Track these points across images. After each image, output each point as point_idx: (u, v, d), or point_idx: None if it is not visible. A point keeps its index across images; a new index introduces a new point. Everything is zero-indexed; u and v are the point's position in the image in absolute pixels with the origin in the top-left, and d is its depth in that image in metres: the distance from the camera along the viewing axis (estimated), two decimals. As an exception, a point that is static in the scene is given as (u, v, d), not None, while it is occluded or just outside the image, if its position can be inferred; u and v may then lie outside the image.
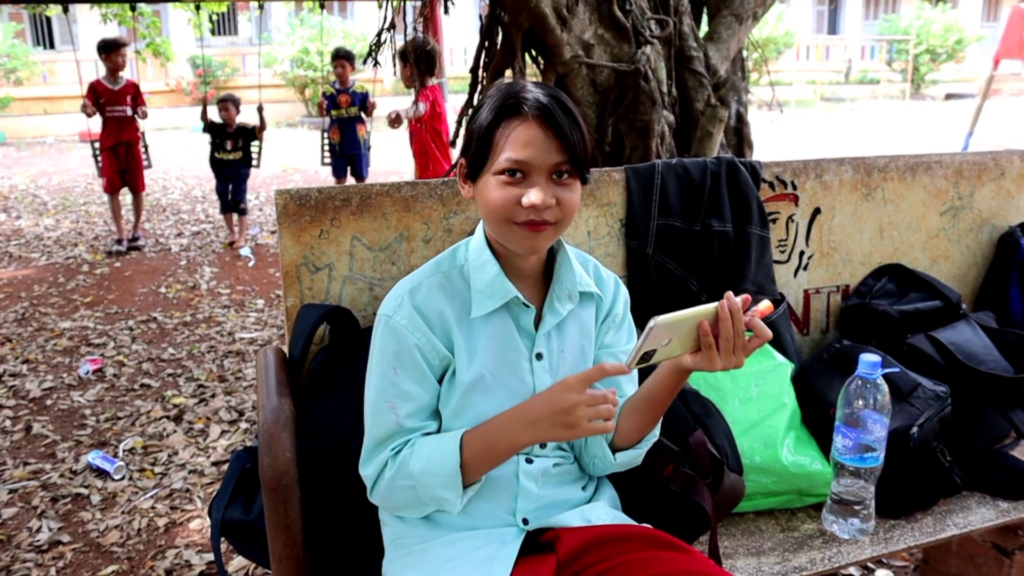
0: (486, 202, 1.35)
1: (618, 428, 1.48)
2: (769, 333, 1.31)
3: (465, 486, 1.36)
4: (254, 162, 7.50)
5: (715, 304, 1.30)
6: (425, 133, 5.58)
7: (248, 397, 4.00)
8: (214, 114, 7.30)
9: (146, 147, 7.41)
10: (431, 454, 1.36)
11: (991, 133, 12.76)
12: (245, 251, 7.02)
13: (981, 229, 2.62)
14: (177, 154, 13.46)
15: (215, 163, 7.37)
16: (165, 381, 4.23)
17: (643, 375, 1.50)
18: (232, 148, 7.31)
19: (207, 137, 7.37)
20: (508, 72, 3.16)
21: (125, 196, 7.76)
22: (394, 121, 5.59)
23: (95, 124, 7.40)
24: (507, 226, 1.35)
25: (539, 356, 1.46)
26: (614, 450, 1.50)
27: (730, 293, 1.31)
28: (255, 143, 7.41)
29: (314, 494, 1.62)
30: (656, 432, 1.51)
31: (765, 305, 1.33)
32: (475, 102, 3.34)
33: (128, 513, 3.01)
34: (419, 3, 5.95)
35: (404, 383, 1.40)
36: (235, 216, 7.40)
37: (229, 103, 7.24)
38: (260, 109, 7.30)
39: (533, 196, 1.31)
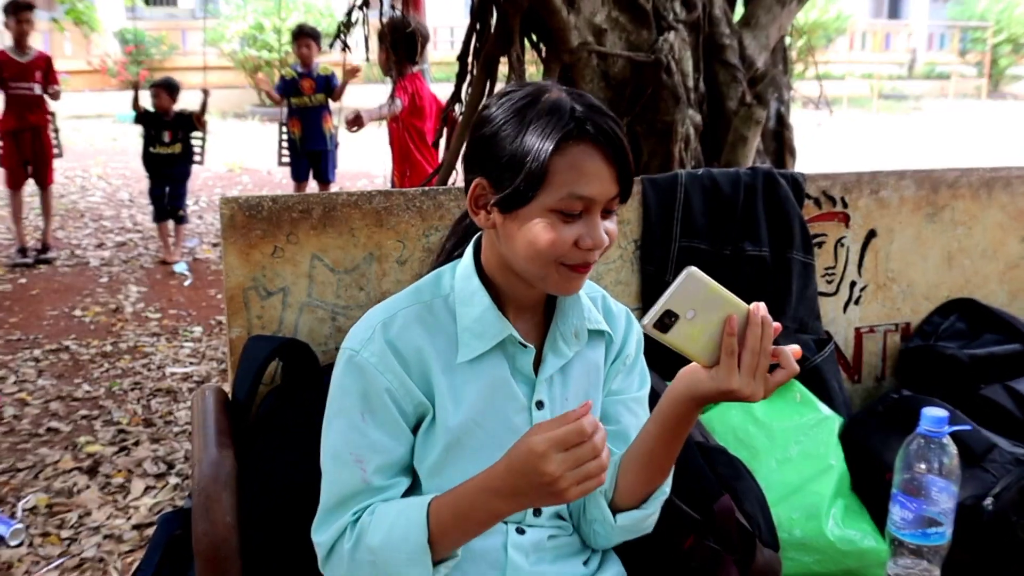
0: (533, 241, 1.34)
1: (618, 481, 1.48)
2: (796, 367, 1.33)
3: (436, 563, 1.34)
4: (196, 158, 7.51)
5: (747, 305, 1.33)
6: (404, 132, 5.61)
7: (180, 446, 3.98)
8: (147, 101, 7.32)
9: (56, 132, 7.33)
10: (393, 524, 1.35)
11: (1083, 141, 12.88)
12: (180, 267, 7.02)
13: (1069, 259, 2.66)
14: (100, 148, 13.48)
15: (149, 159, 7.35)
16: (78, 425, 4.22)
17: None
18: (170, 140, 7.29)
19: (139, 129, 7.38)
20: (503, 60, 3.19)
21: (29, 195, 7.75)
22: (352, 123, 5.59)
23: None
24: (552, 267, 1.36)
25: (539, 405, 1.46)
26: (615, 510, 1.49)
27: (761, 303, 1.33)
28: (197, 135, 7.42)
29: (259, 568, 1.62)
30: (666, 488, 1.50)
31: (793, 348, 1.35)
32: (463, 96, 3.37)
33: (29, 586, 3.00)
34: (398, -27, 6.01)
35: (373, 432, 1.40)
36: (171, 225, 7.40)
37: (164, 89, 7.25)
38: (205, 94, 7.29)
39: (596, 238, 1.34)
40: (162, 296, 6.31)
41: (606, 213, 1.37)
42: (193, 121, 7.30)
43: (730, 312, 1.32)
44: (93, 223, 8.65)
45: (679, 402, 1.37)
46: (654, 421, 1.42)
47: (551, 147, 1.31)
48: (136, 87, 7.43)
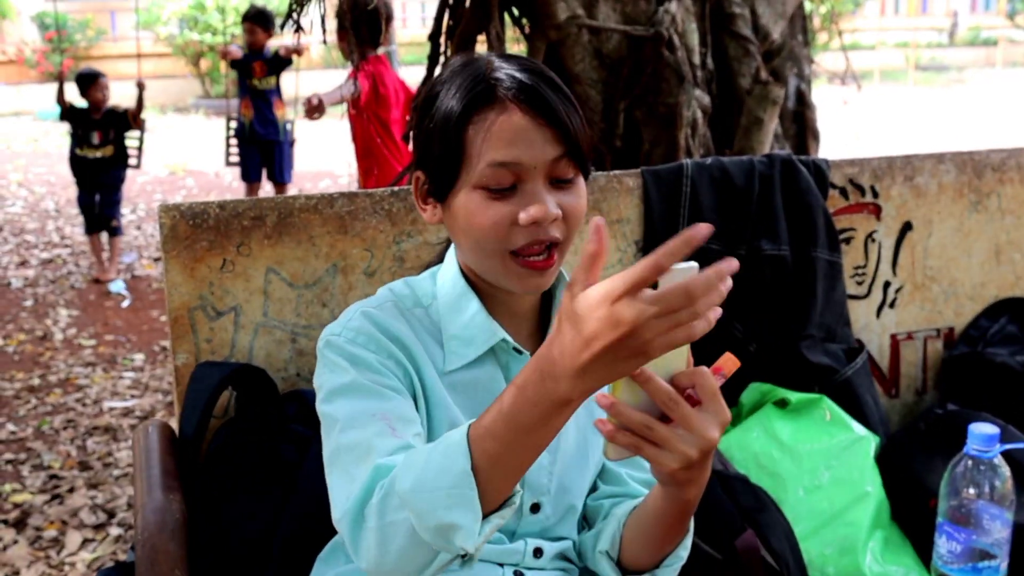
0: (468, 228, 1.36)
1: (624, 543, 1.48)
2: (726, 412, 1.21)
3: (486, 513, 1.20)
4: (132, 161, 7.49)
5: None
6: (367, 124, 5.62)
7: (122, 491, 3.98)
8: (74, 94, 7.31)
9: None
10: (427, 460, 1.21)
11: None
12: (117, 286, 7.00)
13: None
14: (19, 150, 13.46)
15: (77, 163, 7.33)
16: (1, 471, 4.21)
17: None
18: (100, 142, 7.26)
19: (65, 126, 7.37)
20: (481, 39, 3.21)
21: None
22: (313, 110, 5.60)
23: None
24: (501, 259, 1.36)
25: (534, 424, 1.47)
26: (624, 571, 1.50)
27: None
28: (132, 134, 7.40)
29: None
30: (684, 552, 1.49)
31: (725, 358, 1.26)
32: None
33: (-50, 659, 2.99)
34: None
35: (386, 390, 1.35)
36: (104, 238, 7.39)
37: (98, 81, 7.22)
38: (140, 86, 7.26)
39: (533, 210, 1.32)
40: (97, 320, 6.31)
41: (558, 184, 1.36)
42: (127, 119, 7.27)
43: (686, 356, 1.23)
44: (14, 238, 8.63)
45: (666, 492, 1.34)
46: (654, 496, 1.39)
47: (459, 112, 1.33)
48: (60, 80, 7.39)
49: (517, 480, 1.21)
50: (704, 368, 1.20)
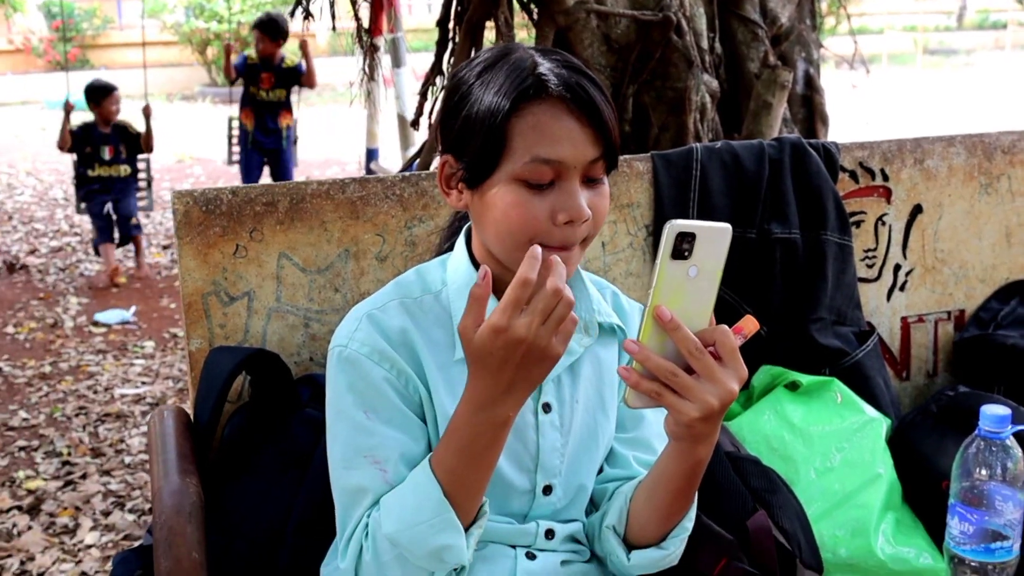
0: (502, 220, 1.37)
1: (631, 517, 1.49)
2: (744, 369, 1.30)
3: (466, 526, 1.35)
4: (141, 183, 7.14)
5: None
6: None
7: (135, 478, 4.00)
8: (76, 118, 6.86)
9: None
10: (402, 501, 1.36)
11: None
12: (113, 317, 6.13)
13: None
14: (28, 139, 13.47)
15: (86, 182, 6.86)
16: (15, 458, 4.23)
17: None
18: (112, 157, 6.85)
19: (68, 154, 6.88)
20: (489, 24, 3.21)
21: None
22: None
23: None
24: None
25: (546, 408, 1.50)
26: (629, 547, 1.51)
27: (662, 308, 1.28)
28: (141, 157, 7.06)
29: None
30: (689, 524, 1.51)
31: (745, 320, 1.33)
32: (445, 66, 3.39)
33: (-34, 644, 3.02)
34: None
35: (381, 429, 1.41)
36: (113, 248, 6.88)
37: (112, 95, 6.81)
38: (146, 113, 6.88)
39: (572, 212, 1.35)
40: (107, 307, 6.32)
41: (590, 182, 1.38)
42: (137, 139, 6.93)
43: (709, 315, 1.31)
44: (23, 226, 8.65)
45: (678, 449, 1.38)
46: (663, 458, 1.43)
47: (507, 106, 1.34)
48: (67, 112, 6.82)
49: (482, 493, 1.36)
50: (725, 327, 1.28)
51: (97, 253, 7.06)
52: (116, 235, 6.92)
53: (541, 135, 1.34)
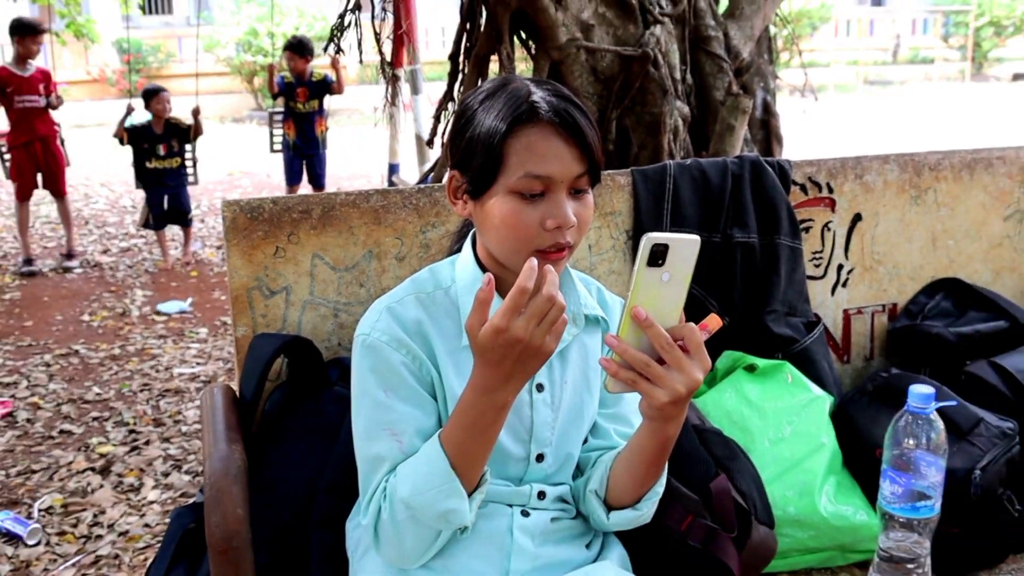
0: (500, 227, 1.38)
1: (610, 482, 1.50)
2: (708, 361, 1.31)
3: (469, 492, 1.38)
4: (189, 178, 7.36)
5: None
6: None
7: (190, 445, 4.00)
8: (140, 111, 7.16)
9: (63, 142, 7.28)
10: (415, 470, 1.38)
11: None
12: (173, 307, 6.22)
13: (1050, 236, 2.67)
14: (101, 155, 13.48)
15: (147, 174, 7.15)
16: (89, 427, 4.24)
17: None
18: (167, 153, 7.14)
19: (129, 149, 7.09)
20: (494, 58, 3.20)
21: (34, 204, 7.72)
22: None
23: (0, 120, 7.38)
24: (525, 255, 1.38)
25: (540, 387, 1.51)
26: (609, 507, 1.52)
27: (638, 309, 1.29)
28: (189, 148, 7.28)
29: (271, 559, 1.64)
30: (660, 488, 1.53)
31: (710, 318, 1.33)
32: (455, 94, 3.38)
33: (47, 585, 3.02)
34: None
35: (399, 405, 1.42)
36: (172, 231, 7.30)
37: (159, 95, 7.04)
38: (196, 113, 7.11)
39: (560, 217, 1.36)
40: (168, 299, 6.33)
41: (576, 194, 1.39)
42: (187, 132, 7.18)
43: (679, 314, 1.32)
44: (98, 229, 8.65)
45: (650, 427, 1.39)
46: (638, 434, 1.44)
47: (504, 129, 1.35)
48: (126, 114, 7.06)
49: (484, 464, 1.39)
50: (693, 324, 1.30)
51: (148, 227, 7.39)
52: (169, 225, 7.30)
53: (533, 154, 1.35)
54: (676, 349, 1.28)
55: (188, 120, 7.20)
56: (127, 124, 7.05)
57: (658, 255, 1.27)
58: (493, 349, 1.27)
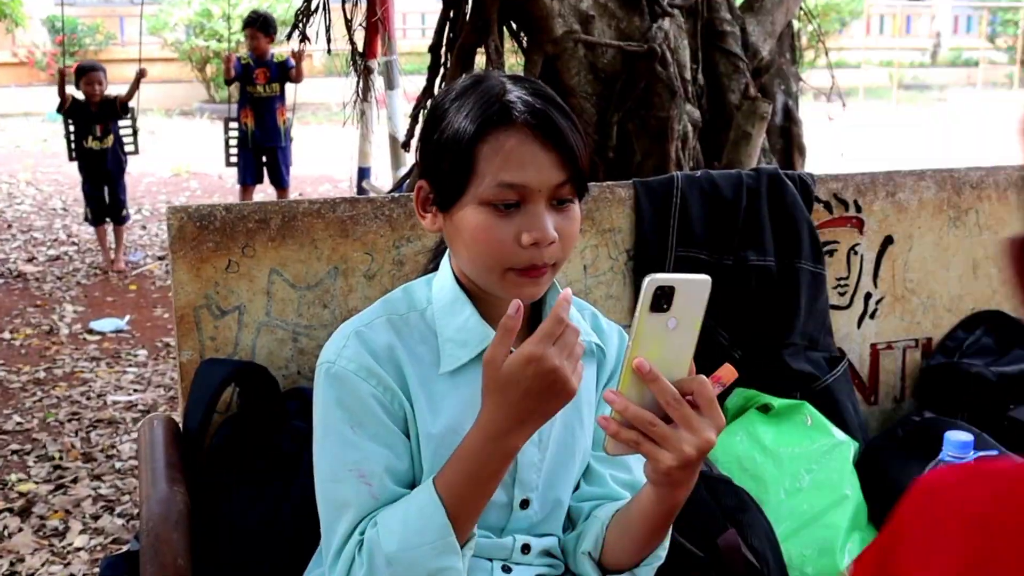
0: (471, 242, 1.38)
1: (606, 543, 1.50)
2: (722, 418, 1.30)
3: (461, 545, 1.36)
4: (128, 147, 7.48)
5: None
6: None
7: (124, 484, 3.98)
8: (74, 90, 7.25)
9: None
10: (404, 522, 1.35)
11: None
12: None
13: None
14: (29, 150, 13.44)
15: (83, 155, 7.29)
16: (7, 461, 4.21)
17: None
18: (102, 133, 7.26)
19: (62, 126, 7.27)
20: (480, 51, 3.22)
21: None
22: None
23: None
24: (498, 274, 1.38)
25: (525, 422, 1.50)
26: (604, 571, 1.52)
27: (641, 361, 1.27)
28: (124, 123, 7.38)
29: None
30: (663, 552, 1.52)
31: (724, 369, 1.34)
32: (435, 92, 3.40)
33: (-46, 643, 2.99)
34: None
35: (367, 444, 1.41)
36: (109, 228, 7.35)
37: (97, 74, 7.19)
38: (139, 73, 7.29)
39: (536, 233, 1.35)
40: (102, 315, 6.30)
41: (559, 205, 1.38)
42: (118, 107, 7.29)
43: (688, 365, 1.31)
44: (22, 234, 8.61)
45: (656, 492, 1.37)
46: (641, 497, 1.43)
47: (473, 131, 1.35)
48: (62, 76, 7.30)
49: (479, 516, 1.37)
50: (704, 377, 1.29)
51: (88, 222, 7.55)
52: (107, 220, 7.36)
53: (506, 160, 1.34)
54: (685, 405, 1.25)
55: (118, 93, 7.31)
56: (71, 94, 7.22)
57: (663, 299, 1.26)
58: (520, 381, 1.26)
